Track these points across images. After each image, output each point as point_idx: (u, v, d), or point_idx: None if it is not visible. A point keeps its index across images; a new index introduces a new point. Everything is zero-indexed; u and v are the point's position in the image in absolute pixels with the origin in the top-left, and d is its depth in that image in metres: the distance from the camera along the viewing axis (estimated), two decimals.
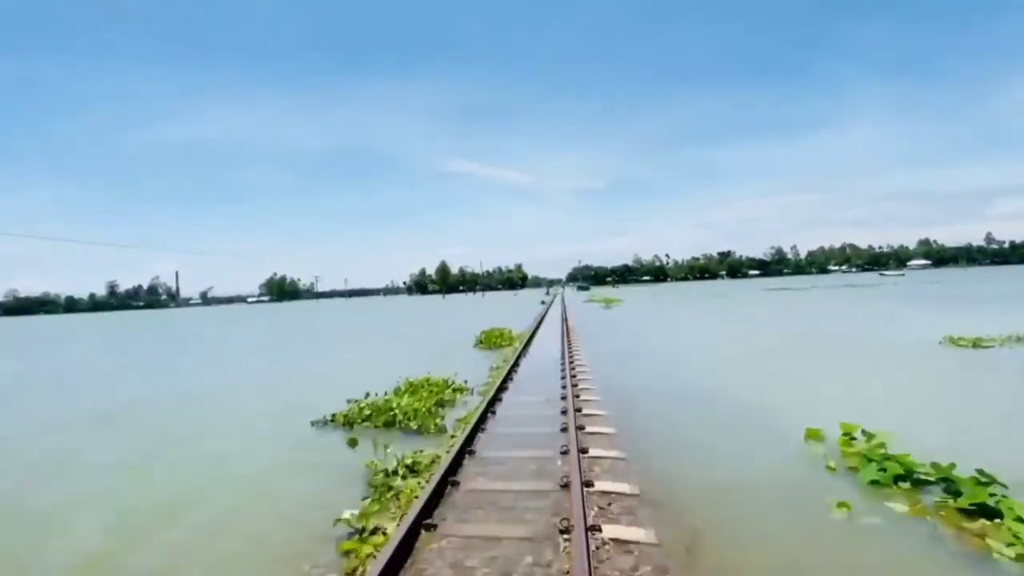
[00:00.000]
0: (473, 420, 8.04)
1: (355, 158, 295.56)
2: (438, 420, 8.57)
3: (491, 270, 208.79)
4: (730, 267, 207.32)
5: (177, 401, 12.95)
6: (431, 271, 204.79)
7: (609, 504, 5.22)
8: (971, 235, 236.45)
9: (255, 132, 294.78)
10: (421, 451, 6.94)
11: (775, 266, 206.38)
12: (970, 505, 4.94)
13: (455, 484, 5.80)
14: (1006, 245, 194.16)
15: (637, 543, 4.41)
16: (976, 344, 15.18)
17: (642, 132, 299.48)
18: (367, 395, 10.33)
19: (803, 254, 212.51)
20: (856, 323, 23.66)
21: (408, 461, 6.38)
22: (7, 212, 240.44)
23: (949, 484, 5.46)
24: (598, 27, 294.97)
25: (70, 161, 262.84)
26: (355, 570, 4.26)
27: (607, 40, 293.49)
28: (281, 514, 5.56)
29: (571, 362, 13.93)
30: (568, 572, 3.99)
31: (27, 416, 12.22)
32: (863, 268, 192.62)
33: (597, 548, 4.36)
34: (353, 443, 6.66)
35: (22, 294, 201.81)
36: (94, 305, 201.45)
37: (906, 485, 5.61)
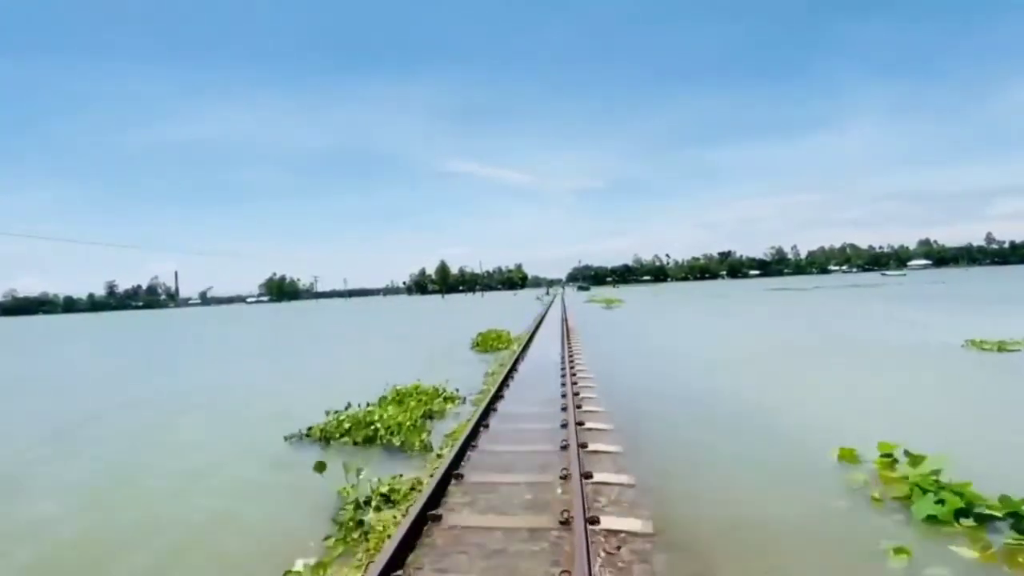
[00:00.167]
0: (463, 436, 7.17)
1: (355, 158, 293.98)
2: (424, 436, 7.70)
3: (491, 270, 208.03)
4: (730, 267, 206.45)
5: (153, 408, 12.09)
6: (431, 271, 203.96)
7: (619, 548, 4.35)
8: (971, 235, 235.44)
9: (255, 132, 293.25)
10: (400, 475, 6.07)
11: (775, 266, 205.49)
12: None
13: (436, 519, 4.93)
14: (1006, 245, 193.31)
15: None
16: (1001, 347, 14.32)
17: (642, 132, 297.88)
18: (348, 406, 9.45)
19: (803, 254, 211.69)
20: (872, 325, 22.75)
21: (384, 489, 5.52)
22: (7, 212, 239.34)
23: (1018, 521, 4.61)
24: (598, 27, 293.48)
25: (70, 161, 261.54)
26: None
27: (607, 40, 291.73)
28: (225, 563, 4.67)
29: (572, 367, 13.06)
30: None
31: None
32: (863, 268, 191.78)
33: None
34: (320, 468, 5.79)
35: (21, 294, 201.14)
36: (93, 305, 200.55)
37: (969, 522, 4.74)
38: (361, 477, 5.68)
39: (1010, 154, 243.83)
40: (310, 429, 8.47)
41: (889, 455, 6.20)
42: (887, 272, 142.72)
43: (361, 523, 4.94)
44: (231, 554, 4.75)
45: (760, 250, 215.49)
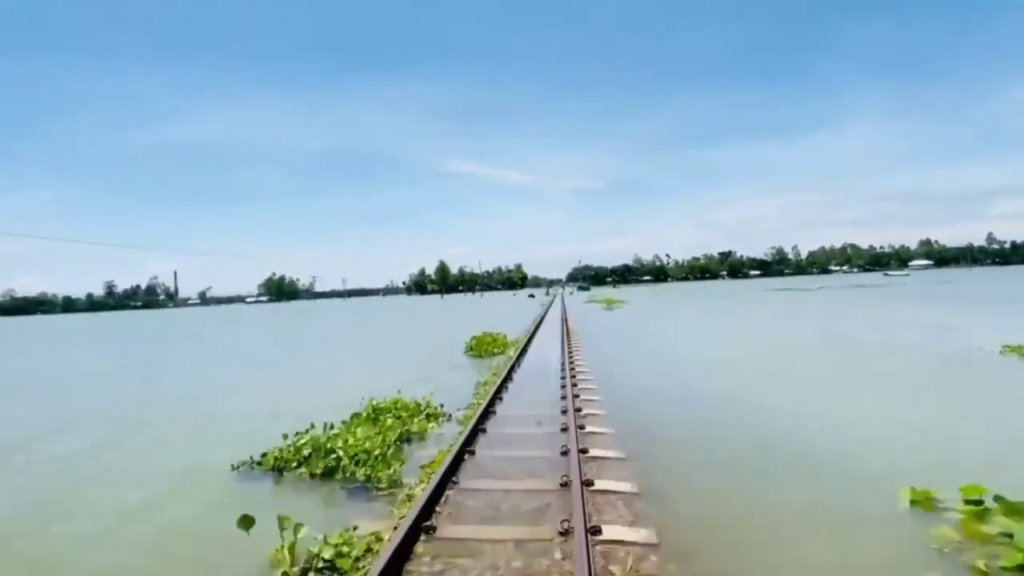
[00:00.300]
0: (442, 468, 5.87)
1: (355, 158, 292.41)
2: (395, 467, 6.36)
3: (491, 270, 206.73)
4: (731, 267, 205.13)
5: (114, 422, 10.77)
6: (430, 271, 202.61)
7: None
8: (971, 235, 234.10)
9: (255, 132, 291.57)
10: (355, 528, 4.74)
11: (776, 266, 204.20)
12: None
13: None
14: (1007, 245, 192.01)
15: None
16: None
17: (642, 132, 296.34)
18: (311, 427, 8.11)
19: (804, 254, 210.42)
20: (896, 329, 21.31)
21: (328, 553, 4.19)
22: (7, 212, 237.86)
23: None
24: (598, 27, 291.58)
25: (70, 161, 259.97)
26: None
27: (607, 40, 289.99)
28: None
29: (573, 378, 11.73)
30: None
31: None
32: (864, 268, 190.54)
33: None
34: (247, 523, 4.48)
35: (19, 294, 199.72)
36: (91, 305, 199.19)
37: None
38: (300, 537, 4.36)
39: (1010, 154, 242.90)
40: (264, 456, 7.14)
41: (978, 502, 4.89)
42: (890, 272, 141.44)
43: None
44: None
45: (760, 250, 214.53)
